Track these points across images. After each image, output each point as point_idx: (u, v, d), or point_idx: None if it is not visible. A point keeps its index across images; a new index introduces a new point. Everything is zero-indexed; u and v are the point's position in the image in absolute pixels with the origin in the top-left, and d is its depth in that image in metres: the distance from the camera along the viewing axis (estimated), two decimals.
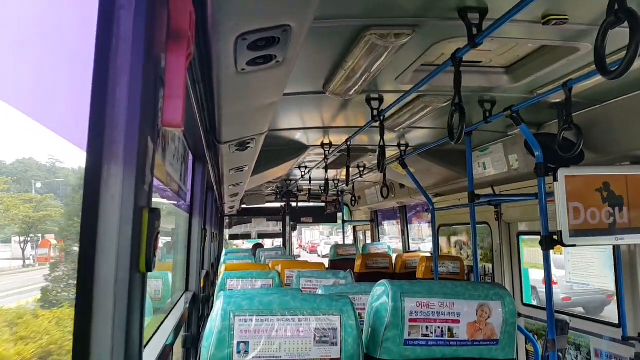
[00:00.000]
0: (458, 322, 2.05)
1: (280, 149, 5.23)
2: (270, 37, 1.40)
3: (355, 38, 2.39)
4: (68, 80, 1.00)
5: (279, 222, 11.77)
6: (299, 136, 4.88)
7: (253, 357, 1.83)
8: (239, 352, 1.83)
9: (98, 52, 0.88)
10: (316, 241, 38.16)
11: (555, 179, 3.15)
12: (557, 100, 3.27)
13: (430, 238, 6.90)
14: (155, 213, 1.02)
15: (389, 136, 4.57)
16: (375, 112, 3.62)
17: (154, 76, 0.97)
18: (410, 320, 2.02)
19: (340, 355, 1.89)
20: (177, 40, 1.01)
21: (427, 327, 2.03)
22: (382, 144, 3.95)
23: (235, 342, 1.83)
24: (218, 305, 1.90)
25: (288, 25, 1.35)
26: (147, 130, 0.96)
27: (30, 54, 0.93)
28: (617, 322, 3.87)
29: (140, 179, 0.96)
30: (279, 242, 13.09)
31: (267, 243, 12.77)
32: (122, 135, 0.91)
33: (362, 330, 2.09)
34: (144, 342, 1.92)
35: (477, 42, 2.19)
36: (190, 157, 3.33)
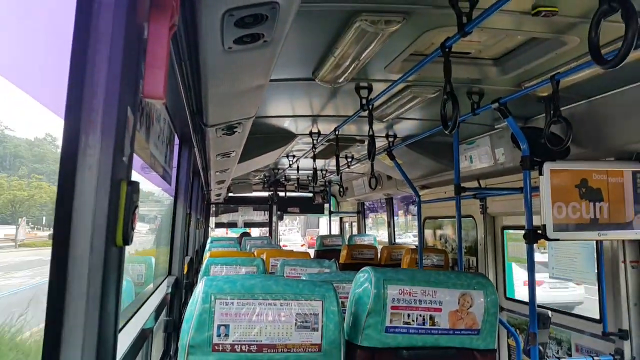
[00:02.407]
0: (440, 310, 2.06)
1: (269, 137, 5.20)
2: (257, 14, 1.37)
3: (345, 23, 2.36)
4: (47, 45, 0.97)
5: (265, 212, 11.74)
6: (287, 124, 4.85)
7: (233, 341, 1.82)
8: (219, 336, 1.81)
9: (78, 15, 0.86)
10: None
11: (540, 173, 3.17)
12: (545, 94, 3.28)
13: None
14: (134, 186, 1.00)
15: (377, 127, 4.57)
16: (364, 101, 3.61)
17: (135, 45, 0.95)
18: (392, 308, 2.02)
19: (321, 340, 1.88)
20: (161, 9, 0.99)
21: (408, 315, 2.03)
22: (371, 133, 3.94)
23: (215, 325, 1.82)
24: (199, 287, 1.88)
25: (276, 2, 1.32)
26: (128, 99, 0.94)
27: (8, 16, 0.90)
28: (598, 317, 3.92)
29: (119, 150, 0.94)
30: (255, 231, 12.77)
31: (254, 232, 12.63)
32: (101, 104, 0.89)
33: (344, 317, 2.09)
34: (121, 324, 1.91)
35: (466, 31, 2.18)
36: (177, 140, 3.30)
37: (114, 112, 0.90)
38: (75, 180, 0.90)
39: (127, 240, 0.99)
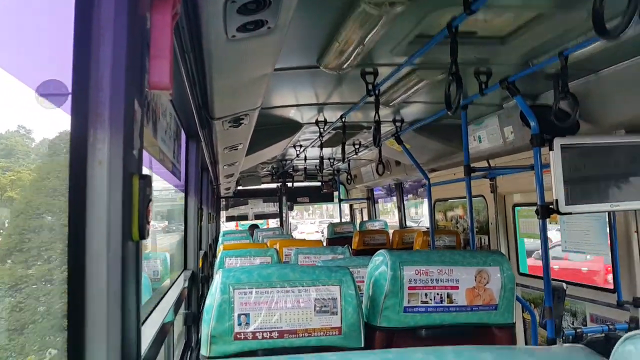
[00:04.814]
0: (457, 288, 2.06)
1: (275, 127, 5.19)
2: (260, 0, 1.36)
3: (349, 7, 2.33)
4: (49, 39, 0.96)
5: (275, 203, 11.78)
6: (293, 113, 4.84)
7: (254, 329, 1.84)
8: (239, 324, 1.83)
9: (79, 8, 0.85)
10: None
11: (551, 148, 3.14)
12: (553, 71, 3.24)
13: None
14: (146, 179, 1.00)
15: (384, 112, 4.53)
16: (370, 87, 3.58)
17: (139, 36, 0.94)
18: (410, 288, 2.03)
19: (341, 324, 1.90)
20: None
21: (426, 294, 2.04)
22: (377, 118, 3.91)
23: (235, 315, 1.84)
24: (217, 279, 1.89)
25: None
26: (134, 92, 0.93)
27: (10, 10, 0.90)
28: (612, 287, 3.92)
29: (129, 143, 0.93)
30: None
31: (271, 224, 12.59)
32: (107, 98, 0.88)
33: (362, 300, 2.10)
34: (142, 318, 1.92)
35: (472, 10, 2.15)
36: (184, 135, 3.30)
37: (121, 106, 0.90)
38: (87, 175, 0.89)
39: (143, 234, 0.99)
